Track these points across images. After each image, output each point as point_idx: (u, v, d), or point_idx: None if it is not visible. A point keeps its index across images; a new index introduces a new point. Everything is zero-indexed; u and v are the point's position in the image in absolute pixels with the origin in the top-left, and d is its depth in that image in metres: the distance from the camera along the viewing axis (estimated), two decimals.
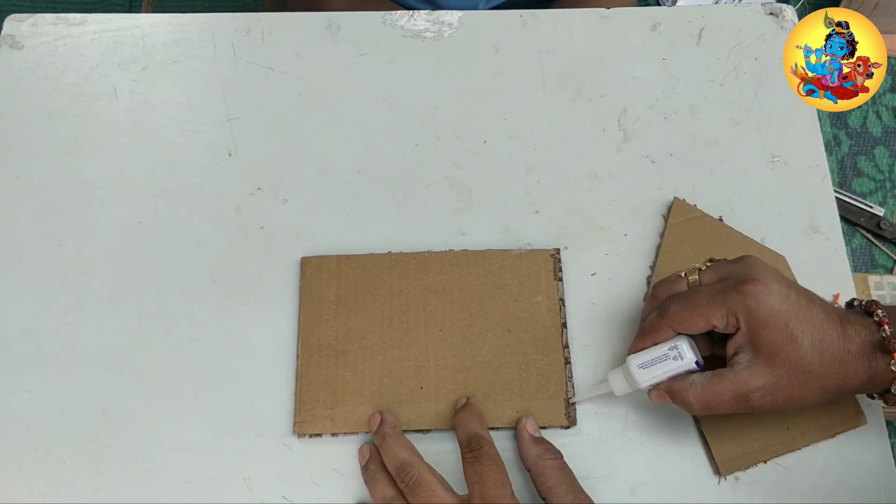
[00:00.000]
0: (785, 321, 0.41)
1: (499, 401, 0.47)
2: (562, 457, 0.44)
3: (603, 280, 0.52)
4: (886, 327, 0.40)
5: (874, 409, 0.48)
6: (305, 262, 0.51)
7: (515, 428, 0.47)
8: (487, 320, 0.49)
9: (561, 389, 0.48)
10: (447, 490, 0.42)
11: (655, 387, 0.44)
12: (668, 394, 0.44)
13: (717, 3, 1.28)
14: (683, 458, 0.47)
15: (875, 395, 0.43)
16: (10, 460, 0.47)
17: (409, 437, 0.47)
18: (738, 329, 0.42)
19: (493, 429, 0.47)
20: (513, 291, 0.50)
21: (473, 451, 0.43)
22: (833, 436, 0.47)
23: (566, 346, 0.49)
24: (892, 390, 0.41)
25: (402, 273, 0.50)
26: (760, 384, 0.41)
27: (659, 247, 0.52)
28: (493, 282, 0.50)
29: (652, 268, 0.52)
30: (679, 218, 0.53)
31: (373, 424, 0.46)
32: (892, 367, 0.40)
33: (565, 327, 0.49)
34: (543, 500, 0.43)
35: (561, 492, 0.42)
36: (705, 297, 0.43)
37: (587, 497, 0.42)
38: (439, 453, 0.47)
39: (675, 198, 0.54)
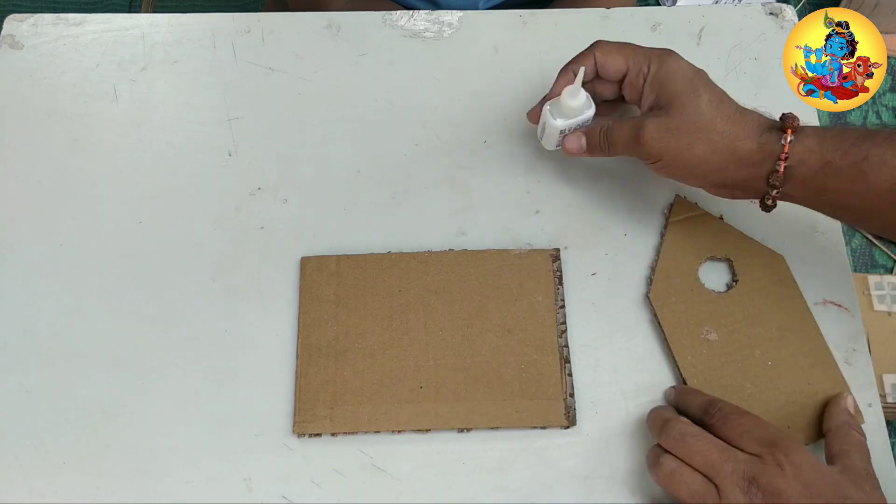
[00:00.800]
0: (690, 76, 0.46)
1: (498, 401, 0.47)
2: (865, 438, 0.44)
3: (603, 280, 0.52)
4: (788, 118, 0.44)
5: (874, 410, 0.48)
6: (305, 262, 0.51)
7: (833, 398, 0.47)
8: (487, 320, 0.49)
9: (560, 389, 0.48)
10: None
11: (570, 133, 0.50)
12: (585, 134, 0.50)
13: (717, 3, 1.28)
14: None
15: (763, 188, 0.45)
16: (10, 460, 0.47)
17: (409, 437, 0.47)
18: (645, 80, 0.47)
19: (492, 429, 0.47)
20: (513, 291, 0.50)
21: (714, 413, 0.43)
22: None
23: (566, 346, 0.49)
24: (777, 167, 0.44)
25: (401, 273, 0.50)
26: (655, 123, 0.46)
27: (659, 245, 0.52)
28: (493, 282, 0.50)
29: (652, 267, 0.52)
30: (680, 216, 0.53)
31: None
32: (782, 142, 0.43)
33: (565, 327, 0.49)
34: (829, 459, 0.43)
35: (855, 458, 0.42)
36: (634, 46, 0.49)
37: (876, 479, 0.42)
38: (439, 453, 0.47)
39: (676, 195, 0.54)
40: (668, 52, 0.48)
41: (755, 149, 0.44)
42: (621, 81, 0.50)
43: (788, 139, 0.43)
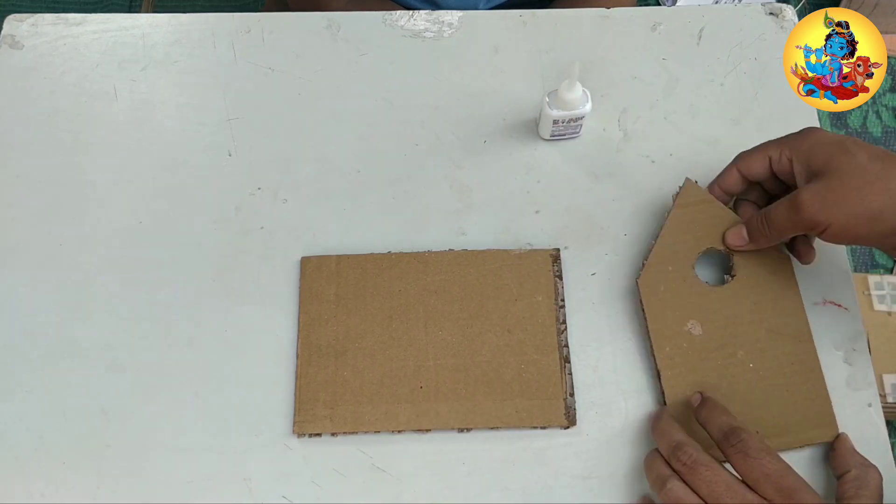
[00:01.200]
0: (837, 140, 0.44)
1: (498, 401, 0.47)
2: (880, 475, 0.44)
3: (603, 280, 0.52)
4: None
5: (874, 410, 0.48)
6: (305, 262, 0.51)
7: (838, 438, 0.46)
8: (487, 320, 0.49)
9: (560, 389, 0.48)
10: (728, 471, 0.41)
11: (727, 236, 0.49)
12: (745, 225, 0.48)
13: (717, 3, 1.28)
14: None
15: None
16: (10, 460, 0.47)
17: (409, 437, 0.47)
18: (790, 159, 0.45)
19: (492, 429, 0.47)
20: (512, 291, 0.50)
21: (734, 444, 0.41)
22: (801, 446, 0.47)
23: (566, 346, 0.49)
24: None
25: (401, 273, 0.50)
26: (811, 187, 0.43)
27: (660, 228, 0.51)
28: (493, 282, 0.50)
29: (650, 249, 0.50)
30: (688, 199, 0.51)
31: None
32: None
33: (565, 327, 0.49)
34: (840, 499, 0.42)
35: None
36: (771, 141, 0.47)
37: None
38: (439, 453, 0.47)
39: (686, 178, 0.51)
40: (805, 129, 0.46)
41: None
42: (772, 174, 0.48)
43: None
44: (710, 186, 0.51)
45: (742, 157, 0.49)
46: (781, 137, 0.47)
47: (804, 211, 0.43)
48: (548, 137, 0.55)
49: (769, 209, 0.46)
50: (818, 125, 0.57)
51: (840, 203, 0.42)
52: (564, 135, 0.55)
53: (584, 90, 0.52)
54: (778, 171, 0.47)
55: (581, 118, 0.53)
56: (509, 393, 0.47)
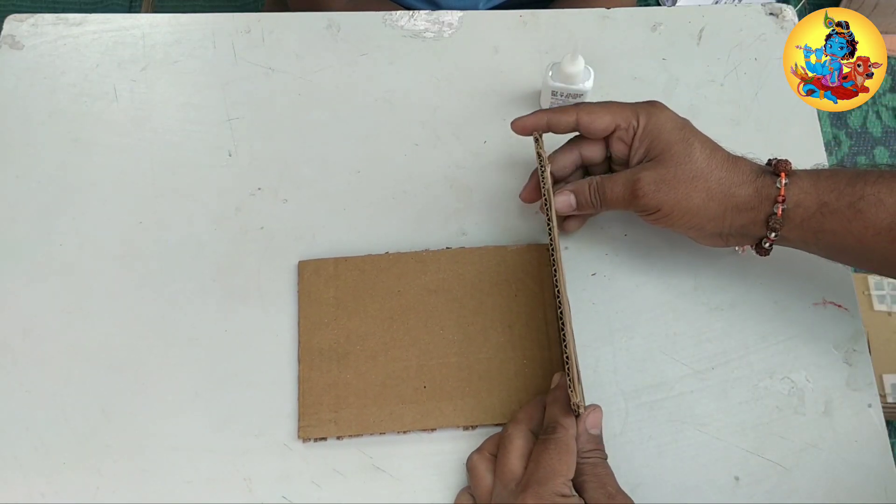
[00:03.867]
0: (679, 125, 0.46)
1: (503, 397, 0.47)
2: (605, 458, 0.44)
3: (603, 280, 0.52)
4: (773, 161, 0.46)
5: (874, 410, 0.48)
6: (303, 266, 0.51)
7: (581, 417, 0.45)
8: (488, 317, 0.49)
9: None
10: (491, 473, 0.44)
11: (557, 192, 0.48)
12: (574, 192, 0.48)
13: (717, 3, 1.28)
14: (683, 458, 0.47)
15: (761, 233, 0.45)
16: (10, 460, 0.47)
17: (413, 436, 0.47)
18: (635, 134, 0.46)
19: (498, 425, 0.47)
20: (511, 287, 0.50)
21: (546, 433, 0.42)
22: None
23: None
24: (775, 210, 0.44)
25: (400, 273, 0.50)
26: (650, 175, 0.45)
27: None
28: (492, 278, 0.50)
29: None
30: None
31: None
32: (777, 185, 0.44)
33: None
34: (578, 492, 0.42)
35: (592, 486, 0.41)
36: (618, 102, 0.48)
37: (624, 496, 0.41)
38: (441, 453, 0.47)
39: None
40: (653, 104, 0.47)
41: (752, 193, 0.45)
42: (606, 139, 0.48)
43: (784, 182, 0.44)
44: (544, 112, 0.49)
45: (587, 108, 0.47)
46: (629, 105, 0.47)
47: (640, 194, 0.45)
48: (547, 107, 0.56)
49: (604, 183, 0.47)
50: (818, 125, 0.57)
51: (671, 193, 0.45)
52: None
53: (586, 67, 0.53)
54: (616, 138, 0.47)
55: (581, 95, 0.54)
56: (513, 389, 0.47)
